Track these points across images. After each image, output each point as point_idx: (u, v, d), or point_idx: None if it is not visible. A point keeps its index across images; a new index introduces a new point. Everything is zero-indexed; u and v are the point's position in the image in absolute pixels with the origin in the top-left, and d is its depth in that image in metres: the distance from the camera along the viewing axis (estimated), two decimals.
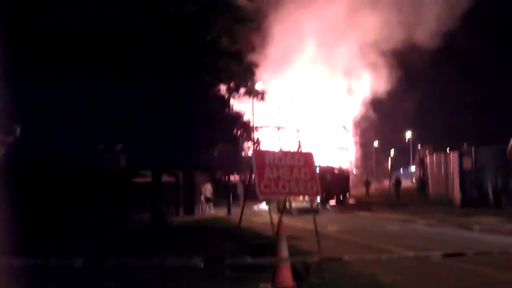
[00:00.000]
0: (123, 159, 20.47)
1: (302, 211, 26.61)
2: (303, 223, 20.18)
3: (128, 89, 17.00)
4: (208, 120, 19.09)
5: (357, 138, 69.95)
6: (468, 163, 27.64)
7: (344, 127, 65.66)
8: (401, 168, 64.54)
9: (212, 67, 19.65)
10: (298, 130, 14.63)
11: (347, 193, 40.59)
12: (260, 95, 22.36)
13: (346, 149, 65.66)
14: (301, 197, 27.25)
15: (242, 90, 21.16)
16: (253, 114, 33.35)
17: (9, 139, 15.80)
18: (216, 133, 19.73)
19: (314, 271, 9.66)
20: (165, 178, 24.30)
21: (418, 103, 54.46)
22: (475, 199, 26.17)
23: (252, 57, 24.00)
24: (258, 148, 27.63)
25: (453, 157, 28.71)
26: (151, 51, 17.13)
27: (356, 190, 51.06)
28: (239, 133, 22.71)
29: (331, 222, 22.14)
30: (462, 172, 27.55)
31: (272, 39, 52.73)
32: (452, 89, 50.74)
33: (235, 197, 29.41)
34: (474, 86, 47.78)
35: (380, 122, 65.64)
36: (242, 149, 28.55)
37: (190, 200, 26.82)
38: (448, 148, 32.58)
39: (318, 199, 30.88)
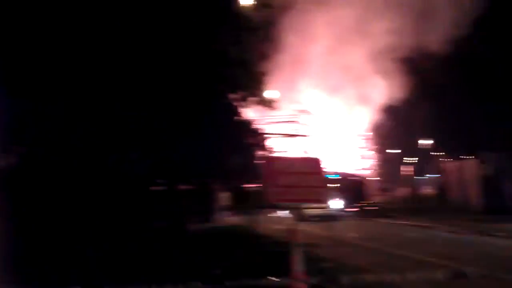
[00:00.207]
0: (140, 168, 20.50)
1: (321, 218, 26.49)
2: (322, 230, 20.12)
3: (141, 99, 17.12)
4: (218, 129, 19.12)
5: (374, 145, 69.49)
6: (488, 170, 27.33)
7: (362, 135, 65.32)
8: (421, 175, 63.73)
9: (221, 76, 19.70)
10: (305, 136, 14.69)
11: (367, 200, 40.33)
12: (270, 104, 22.34)
13: (365, 157, 65.26)
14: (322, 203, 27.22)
15: (251, 99, 21.14)
16: (266, 123, 33.30)
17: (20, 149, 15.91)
18: (226, 141, 19.71)
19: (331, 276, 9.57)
20: (183, 186, 24.31)
21: (437, 110, 53.86)
22: (495, 205, 25.78)
23: (263, 66, 24.05)
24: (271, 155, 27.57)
25: (473, 163, 28.41)
26: (160, 62, 17.24)
27: (375, 197, 50.71)
28: (251, 141, 22.70)
29: (351, 229, 21.99)
30: (482, 179, 27.20)
31: (283, 46, 52.68)
32: (470, 96, 50.20)
33: (253, 205, 29.35)
34: (491, 92, 47.22)
35: (398, 129, 65.11)
36: (257, 157, 28.50)
37: (208, 207, 26.79)
38: (467, 155, 32.24)
39: (338, 205, 30.80)
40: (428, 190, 43.07)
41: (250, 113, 29.15)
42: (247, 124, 23.21)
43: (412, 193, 38.89)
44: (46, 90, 15.53)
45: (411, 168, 67.85)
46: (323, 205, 11.14)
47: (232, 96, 21.89)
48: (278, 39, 52.13)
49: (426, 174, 63.74)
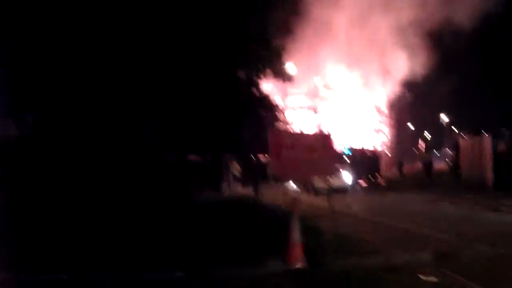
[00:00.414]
0: (151, 138, 20.73)
1: (331, 191, 26.55)
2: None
3: (159, 67, 17.24)
4: (235, 100, 19.18)
5: (391, 120, 69.00)
6: (502, 146, 27.11)
7: (378, 109, 64.85)
8: (435, 150, 63.29)
9: (241, 49, 19.68)
10: (316, 112, 14.59)
11: (378, 174, 40.32)
12: (287, 77, 22.24)
13: (380, 131, 64.91)
14: (332, 177, 27.38)
15: (269, 73, 21.11)
16: (283, 96, 33.27)
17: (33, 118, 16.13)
18: (243, 114, 19.79)
19: (329, 250, 9.71)
20: (192, 157, 24.52)
21: (455, 85, 53.22)
22: (508, 181, 25.60)
23: (283, 39, 23.90)
24: (285, 129, 27.65)
25: (487, 139, 28.16)
26: (178, 32, 17.27)
27: (389, 171, 50.56)
28: (265, 114, 22.74)
29: (359, 202, 22.15)
30: (496, 155, 27.00)
31: (305, 19, 52.16)
32: (490, 72, 49.46)
33: (264, 177, 29.54)
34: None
35: (415, 104, 64.52)
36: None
37: (217, 179, 27.04)
38: (481, 132, 31.95)
39: (348, 179, 30.92)
40: (441, 165, 42.85)
41: (268, 86, 29.19)
42: (262, 97, 23.26)
43: (425, 168, 38.67)
44: (60, 58, 15.72)
45: (426, 143, 67.40)
46: (330, 178, 11.28)
47: (249, 68, 21.93)
48: (300, 11, 51.75)
49: (441, 149, 63.32)
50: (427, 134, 73.28)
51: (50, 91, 16.26)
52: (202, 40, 17.50)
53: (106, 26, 15.91)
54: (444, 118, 67.58)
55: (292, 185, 24.64)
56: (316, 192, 25.35)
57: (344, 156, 35.30)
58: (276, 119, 26.07)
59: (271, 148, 9.73)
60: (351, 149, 37.96)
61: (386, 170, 50.46)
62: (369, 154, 42.43)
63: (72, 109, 16.64)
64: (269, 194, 22.01)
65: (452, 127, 66.00)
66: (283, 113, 29.61)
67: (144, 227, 11.94)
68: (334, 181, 27.39)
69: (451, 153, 40.46)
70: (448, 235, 12.00)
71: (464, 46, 50.02)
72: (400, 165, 45.97)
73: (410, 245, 10.70)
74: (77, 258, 8.26)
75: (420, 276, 8.13)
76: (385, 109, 65.89)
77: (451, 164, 37.44)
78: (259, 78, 21.65)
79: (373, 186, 34.33)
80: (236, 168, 29.18)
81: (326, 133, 11.43)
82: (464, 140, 33.45)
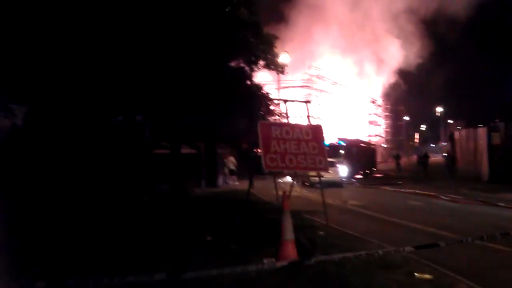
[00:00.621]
0: (143, 130, 20.52)
1: (327, 185, 26.45)
2: (325, 197, 20.04)
3: (148, 58, 16.97)
4: (226, 91, 18.92)
5: (387, 111, 68.93)
6: (497, 139, 26.94)
7: (374, 100, 64.73)
8: (432, 143, 63.43)
9: (231, 38, 19.39)
10: (307, 103, 14.27)
11: (374, 167, 40.15)
12: (280, 68, 21.94)
13: (376, 123, 64.85)
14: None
15: (261, 63, 20.81)
16: (278, 88, 33.01)
17: (23, 109, 15.87)
18: (235, 105, 19.53)
19: (322, 245, 9.53)
20: (187, 149, 24.30)
21: (450, 77, 53.16)
22: (503, 174, 25.49)
23: (276, 27, 23.59)
24: (280, 121, 27.40)
25: (482, 132, 28.03)
26: (170, 20, 16.99)
27: (385, 164, 50.51)
28: (259, 105, 22.45)
29: (354, 196, 21.97)
30: (491, 148, 26.85)
31: (298, 6, 51.92)
32: (485, 63, 49.30)
33: (260, 170, 29.33)
34: (507, 62, 46.25)
35: (411, 95, 64.53)
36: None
37: (212, 172, 26.84)
38: (477, 124, 31.79)
39: (344, 172, 30.71)
40: (437, 158, 42.84)
41: (262, 77, 28.90)
42: (256, 88, 22.94)
43: (419, 161, 38.58)
44: (52, 50, 15.46)
45: (420, 135, 67.46)
46: (323, 172, 11.07)
47: (241, 59, 21.63)
48: (292, 2, 51.55)
49: (437, 141, 63.44)
50: (423, 126, 73.42)
51: (41, 83, 16.01)
52: (192, 28, 17.23)
53: (97, 18, 15.65)
54: (439, 110, 67.61)
55: (288, 178, 24.45)
56: (312, 185, 25.17)
57: (340, 149, 35.00)
58: (271, 110, 25.81)
59: (261, 141, 9.52)
60: (346, 141, 37.70)
61: (382, 162, 50.42)
62: (364, 146, 42.19)
63: (64, 99, 16.42)
64: (264, 188, 21.84)
65: (448, 121, 65.97)
66: (278, 105, 29.38)
67: (132, 225, 11.74)
68: (329, 175, 27.25)
69: (446, 145, 40.36)
70: (443, 231, 11.85)
71: (459, 35, 49.90)
72: (397, 158, 45.89)
73: (403, 240, 10.51)
74: (56, 262, 8.11)
75: (415, 274, 7.97)
76: (380, 100, 65.77)
77: (446, 157, 37.35)
78: (251, 68, 21.39)
79: (369, 179, 34.17)
80: (231, 162, 28.97)
81: (317, 125, 11.17)
82: (459, 133, 33.33)
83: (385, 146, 64.36)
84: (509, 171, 25.47)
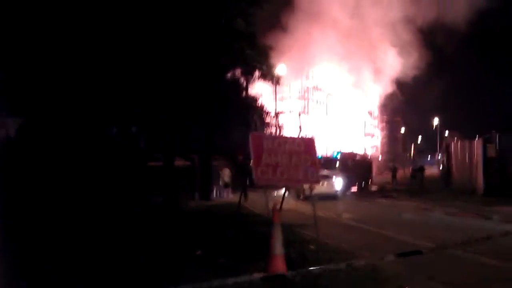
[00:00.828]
0: (138, 142, 20.46)
1: (322, 198, 26.36)
2: (319, 210, 19.90)
3: (144, 69, 16.94)
4: (221, 103, 18.91)
5: (383, 123, 68.96)
6: (492, 151, 26.85)
7: (370, 112, 64.78)
8: (428, 155, 63.42)
9: (227, 49, 19.39)
10: (300, 114, 14.25)
11: (369, 180, 40.04)
12: (275, 79, 21.96)
13: (372, 135, 64.88)
14: (322, 183, 27.11)
15: (256, 74, 20.81)
16: (275, 99, 32.95)
17: (17, 121, 15.85)
18: (230, 117, 19.52)
19: (313, 259, 9.43)
20: (182, 162, 24.22)
21: (447, 88, 53.16)
22: (498, 187, 25.39)
23: (272, 37, 23.58)
24: (278, 133, 27.38)
25: (478, 144, 27.94)
26: (165, 31, 16.99)
27: (381, 177, 50.34)
28: (255, 117, 22.47)
29: (348, 209, 21.88)
30: (486, 160, 26.76)
31: (295, 16, 52.01)
32: (482, 75, 49.39)
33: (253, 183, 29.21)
34: (505, 72, 46.28)
35: (407, 107, 64.55)
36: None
37: (207, 184, 26.70)
38: (474, 136, 31.70)
39: (339, 185, 30.60)
40: (433, 171, 42.75)
41: (258, 89, 28.87)
42: (251, 99, 22.90)
43: (416, 173, 38.48)
44: (47, 60, 15.44)
45: (417, 147, 67.41)
46: (315, 185, 10.98)
47: (237, 70, 21.63)
48: (290, 9, 51.60)
49: (433, 153, 63.40)
50: (419, 138, 73.45)
51: (35, 94, 15.98)
52: (187, 40, 17.22)
53: (93, 28, 15.65)
54: (436, 122, 67.67)
55: (282, 191, 24.35)
56: (306, 198, 25.06)
57: (335, 161, 34.91)
58: (266, 122, 25.79)
59: (252, 153, 9.44)
60: (341, 154, 37.62)
61: (378, 175, 50.27)
62: (360, 158, 42.10)
63: (57, 111, 16.38)
64: (258, 201, 21.70)
65: (446, 132, 65.95)
66: (275, 116, 29.39)
67: (124, 238, 11.64)
68: (324, 187, 27.17)
69: (442, 158, 40.27)
70: (432, 243, 11.76)
71: (457, 46, 49.99)
72: (394, 170, 45.71)
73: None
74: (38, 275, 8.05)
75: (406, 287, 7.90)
76: (377, 112, 65.80)
77: (442, 169, 37.29)
78: (247, 79, 21.40)
79: (365, 192, 34.08)
80: (226, 174, 28.84)
81: (310, 137, 11.10)
82: (455, 144, 33.29)
83: (381, 158, 64.30)
84: (504, 183, 25.39)
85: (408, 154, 65.01)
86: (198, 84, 18.36)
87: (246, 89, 22.10)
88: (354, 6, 55.43)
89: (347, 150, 42.99)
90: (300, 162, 9.81)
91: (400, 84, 59.07)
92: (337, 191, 29.10)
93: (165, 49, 17.17)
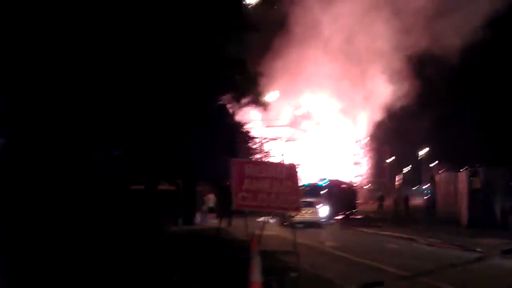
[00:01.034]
0: (120, 166, 20.25)
1: (307, 225, 26.30)
2: (303, 238, 19.85)
3: (127, 94, 16.87)
4: (206, 128, 18.87)
5: (371, 152, 69.10)
6: (477, 183, 27.04)
7: (358, 141, 64.94)
8: (414, 185, 63.52)
9: (215, 75, 19.41)
10: (282, 140, 14.29)
11: (354, 208, 40.02)
12: (263, 105, 22.02)
13: (359, 164, 64.91)
14: (306, 210, 27.06)
15: (245, 100, 20.84)
16: (263, 126, 33.09)
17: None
18: (215, 142, 19.47)
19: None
20: (166, 186, 24.05)
21: (434, 119, 53.40)
22: (482, 219, 25.49)
23: (261, 67, 23.67)
24: (264, 159, 27.37)
25: (463, 176, 28.14)
26: (151, 56, 16.97)
27: (367, 206, 50.29)
28: (241, 143, 22.44)
29: (332, 238, 21.80)
30: (471, 192, 26.91)
31: (285, 45, 52.26)
32: (469, 107, 49.74)
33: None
34: (493, 105, 46.64)
35: (395, 137, 64.77)
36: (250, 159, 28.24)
37: (190, 209, 26.50)
38: (460, 168, 31.90)
39: (324, 213, 30.55)
40: (418, 201, 42.80)
41: (247, 115, 28.88)
42: (237, 125, 22.89)
43: (401, 203, 38.51)
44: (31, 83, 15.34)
45: (402, 178, 67.53)
46: (303, 213, 10.95)
47: (225, 96, 21.63)
48: (279, 38, 51.90)
49: (419, 184, 63.54)
50: (406, 169, 73.59)
51: (16, 115, 15.83)
52: (172, 66, 17.20)
53: (73, 50, 15.58)
54: (422, 153, 67.96)
55: (267, 217, 24.22)
56: (290, 224, 24.94)
57: (320, 189, 34.91)
58: (253, 148, 25.77)
59: (233, 179, 9.39)
60: (328, 181, 37.64)
61: (364, 204, 50.24)
62: (346, 187, 42.11)
63: (40, 133, 16.25)
64: (242, 226, 21.53)
65: (432, 164, 66.14)
66: (260, 143, 29.43)
67: (101, 262, 11.45)
68: (309, 215, 27.11)
69: (428, 188, 40.41)
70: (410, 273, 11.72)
71: (446, 78, 50.31)
72: (381, 199, 45.75)
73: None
74: None
75: None
76: (364, 141, 66.02)
77: (427, 200, 37.38)
78: (234, 105, 21.40)
79: (350, 221, 34.00)
80: (211, 200, 28.67)
81: (292, 164, 11.09)
82: (441, 176, 33.45)
83: (367, 187, 64.35)
84: (488, 216, 25.50)
85: (397, 183, 65.17)
86: (183, 109, 18.31)
87: (233, 115, 22.11)
88: (347, 34, 55.79)
89: (332, 178, 42.95)
90: (281, 189, 9.76)
91: (389, 113, 59.33)
92: (321, 218, 29.02)
93: (149, 74, 17.12)
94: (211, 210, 28.69)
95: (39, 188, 15.68)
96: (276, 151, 43.99)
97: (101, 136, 17.54)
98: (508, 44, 42.63)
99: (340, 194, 36.35)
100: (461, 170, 30.20)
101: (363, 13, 54.69)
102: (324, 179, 39.27)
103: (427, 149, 67.22)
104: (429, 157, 67.59)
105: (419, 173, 66.59)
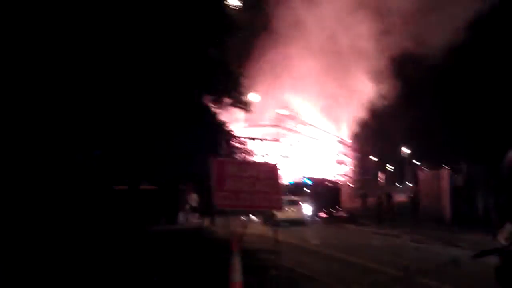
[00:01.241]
0: (103, 165, 20.07)
1: (291, 223, 26.27)
2: (287, 236, 19.80)
3: (108, 94, 16.70)
4: (188, 128, 18.74)
5: (354, 151, 69.30)
6: (460, 180, 27.20)
7: (342, 140, 65.09)
8: (398, 183, 63.97)
9: (197, 76, 19.30)
10: (262, 140, 14.15)
11: (338, 206, 40.06)
12: (245, 106, 21.94)
13: (343, 162, 65.08)
14: (290, 208, 27.03)
15: (227, 101, 20.75)
16: (247, 126, 32.95)
17: None
18: (197, 142, 19.33)
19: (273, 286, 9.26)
20: (148, 186, 23.86)
21: (417, 118, 53.71)
22: (465, 216, 25.60)
23: (245, 68, 23.58)
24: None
25: (445, 173, 28.28)
26: (132, 57, 16.83)
27: (351, 203, 50.36)
28: (224, 143, 22.32)
29: (316, 236, 21.75)
30: (454, 189, 27.07)
31: (268, 45, 52.25)
32: (451, 105, 50.04)
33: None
34: (475, 103, 46.94)
35: (378, 135, 65.08)
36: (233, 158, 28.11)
37: (173, 209, 26.32)
38: (443, 165, 32.10)
39: (308, 211, 30.53)
40: (402, 199, 42.92)
41: (229, 116, 28.73)
42: (220, 126, 22.74)
43: (385, 201, 38.57)
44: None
45: (386, 176, 67.92)
46: (277, 212, 10.87)
47: (208, 97, 21.51)
48: (263, 38, 51.86)
49: (402, 182, 64.01)
50: (389, 166, 74.01)
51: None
52: (155, 66, 17.08)
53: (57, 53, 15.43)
54: (405, 150, 68.40)
55: (249, 216, 24.13)
56: (276, 224, 24.90)
57: (305, 187, 34.90)
58: (236, 147, 25.64)
59: (214, 178, 9.28)
60: (312, 180, 37.65)
61: (348, 202, 50.31)
62: (330, 185, 42.16)
63: (20, 132, 16.04)
64: (226, 226, 21.44)
65: (414, 161, 66.60)
66: (244, 143, 29.27)
67: (82, 260, 11.31)
68: (293, 213, 27.07)
69: (411, 186, 40.66)
70: (394, 269, 11.70)
71: (427, 78, 50.57)
72: (364, 197, 45.80)
73: (355, 281, 10.33)
74: None
75: None
76: (347, 140, 66.21)
77: (411, 197, 37.48)
78: (217, 105, 21.30)
79: (334, 219, 34.02)
80: (194, 199, 28.50)
81: (273, 163, 11.01)
82: (424, 174, 33.60)
83: (351, 185, 64.54)
84: (471, 212, 25.62)
85: (380, 180, 65.51)
86: (165, 109, 18.17)
87: (216, 115, 21.99)
88: (329, 34, 55.89)
89: (317, 176, 43.00)
90: (263, 188, 9.68)
91: (371, 112, 59.57)
92: (306, 217, 29.00)
93: (130, 75, 16.97)
94: (194, 210, 28.52)
95: (21, 188, 15.51)
96: (259, 151, 43.89)
97: (81, 136, 17.35)
98: (489, 43, 42.95)
99: (324, 192, 36.37)
100: (443, 167, 30.38)
101: (346, 13, 54.89)
102: (308, 177, 39.30)
103: (409, 147, 67.73)
104: (412, 156, 68.08)
105: (402, 171, 67.02)
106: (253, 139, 39.02)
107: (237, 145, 26.28)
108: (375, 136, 65.43)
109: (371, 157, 71.96)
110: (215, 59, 19.62)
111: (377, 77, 56.10)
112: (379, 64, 55.40)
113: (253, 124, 48.22)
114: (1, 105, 14.72)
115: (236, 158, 23.72)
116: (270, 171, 10.09)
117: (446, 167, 29.81)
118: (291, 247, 17.07)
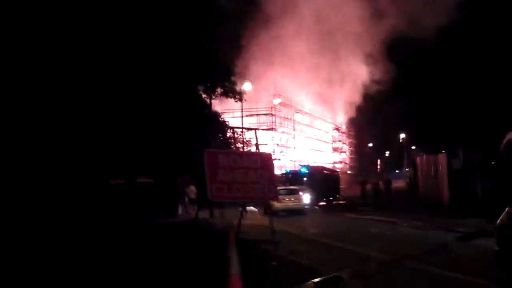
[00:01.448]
0: (98, 160, 20.00)
1: (290, 212, 26.28)
2: (285, 225, 19.78)
3: (104, 89, 16.64)
4: (183, 119, 18.68)
5: (351, 139, 69.35)
6: (457, 164, 27.16)
7: (338, 127, 65.12)
8: (395, 169, 64.05)
9: (190, 66, 19.21)
10: (256, 130, 14.09)
11: (337, 194, 40.09)
12: (238, 96, 21.88)
13: (340, 150, 65.16)
14: (289, 198, 27.02)
15: (220, 91, 20.68)
16: (242, 116, 32.78)
17: None
18: (193, 133, 19.28)
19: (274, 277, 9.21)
20: (146, 179, 23.80)
21: (413, 102, 53.67)
22: (463, 200, 25.61)
23: (237, 56, 23.48)
24: (244, 149, 27.16)
25: (443, 158, 28.27)
26: (123, 48, 16.75)
27: (350, 191, 50.44)
28: (219, 133, 22.26)
29: (315, 224, 21.75)
30: (451, 173, 27.04)
31: (261, 28, 52.06)
32: (449, 89, 49.89)
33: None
34: (472, 86, 46.72)
35: (375, 121, 65.09)
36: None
37: (172, 202, 26.22)
38: (440, 150, 32.06)
39: (307, 200, 30.50)
40: (400, 184, 43.02)
41: (222, 105, 28.61)
42: (215, 117, 22.68)
43: (383, 187, 38.62)
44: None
45: (383, 162, 67.98)
46: (275, 201, 10.80)
47: (200, 87, 21.42)
48: (254, 24, 51.64)
49: (400, 167, 64.06)
50: (387, 153, 74.07)
51: None
52: (148, 58, 17.02)
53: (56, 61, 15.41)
54: (402, 136, 68.40)
55: (248, 207, 24.11)
56: (273, 213, 24.88)
57: (303, 176, 34.83)
58: (232, 138, 25.56)
59: (207, 170, 9.21)
60: (309, 168, 37.60)
61: (347, 189, 50.39)
62: (328, 173, 42.13)
63: (16, 126, 16.02)
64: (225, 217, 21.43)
65: (412, 147, 66.63)
66: (241, 133, 29.20)
67: (78, 255, 11.27)
68: (292, 202, 27.07)
69: (409, 171, 40.64)
70: (390, 256, 11.68)
71: (423, 61, 50.50)
72: (363, 184, 45.77)
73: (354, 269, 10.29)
74: None
75: None
76: (344, 127, 66.17)
77: (409, 182, 37.53)
78: (211, 96, 21.21)
79: (333, 206, 34.03)
80: (192, 191, 28.40)
81: (267, 153, 10.96)
82: (421, 159, 33.60)
83: (349, 172, 64.61)
84: (469, 196, 25.61)
85: (379, 167, 65.57)
86: (159, 100, 18.09)
87: (209, 105, 21.90)
88: (322, 17, 55.75)
89: (314, 164, 42.96)
90: (256, 178, 9.62)
91: (366, 97, 59.51)
92: (304, 205, 28.98)
93: (124, 68, 16.90)
94: (192, 202, 28.43)
95: (16, 182, 15.51)
96: (255, 140, 43.80)
97: (75, 130, 17.29)
98: (483, 25, 42.83)
99: (323, 180, 36.35)
100: (441, 152, 30.33)
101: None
102: (306, 165, 39.24)
103: (405, 133, 67.69)
104: (408, 141, 68.10)
105: (400, 157, 67.05)
106: (248, 129, 38.85)
107: (233, 135, 26.22)
108: (372, 122, 65.42)
109: (368, 144, 72.08)
110: (207, 49, 19.50)
111: (371, 60, 56.05)
112: (373, 47, 55.35)
113: (248, 114, 48.14)
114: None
115: (232, 149, 23.68)
116: (264, 161, 10.04)
117: (443, 151, 29.77)
118: (290, 236, 17.09)
